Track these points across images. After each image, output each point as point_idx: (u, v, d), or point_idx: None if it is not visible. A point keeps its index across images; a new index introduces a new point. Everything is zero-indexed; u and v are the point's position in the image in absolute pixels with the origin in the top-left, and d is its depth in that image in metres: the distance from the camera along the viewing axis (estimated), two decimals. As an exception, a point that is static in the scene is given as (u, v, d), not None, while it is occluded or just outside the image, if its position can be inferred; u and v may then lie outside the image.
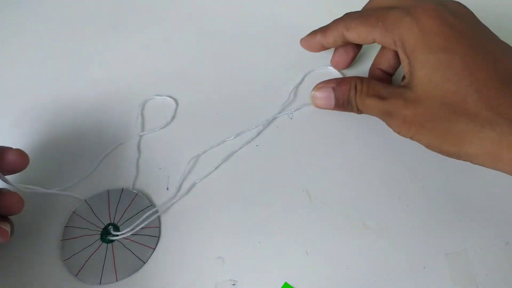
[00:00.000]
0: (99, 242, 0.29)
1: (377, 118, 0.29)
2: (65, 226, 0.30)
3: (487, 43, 0.26)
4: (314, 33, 0.33)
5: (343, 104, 0.31)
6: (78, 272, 0.28)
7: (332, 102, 0.31)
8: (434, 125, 0.26)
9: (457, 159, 0.26)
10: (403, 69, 0.28)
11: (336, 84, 0.31)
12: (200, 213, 0.30)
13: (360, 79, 0.30)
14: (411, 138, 0.27)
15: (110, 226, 0.30)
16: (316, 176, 0.31)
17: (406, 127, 0.27)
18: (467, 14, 0.28)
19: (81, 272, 0.28)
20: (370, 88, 0.29)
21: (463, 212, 0.29)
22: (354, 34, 0.30)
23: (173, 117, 0.35)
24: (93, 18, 0.42)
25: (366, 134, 0.32)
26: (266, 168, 0.32)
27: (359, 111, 0.30)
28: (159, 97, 0.36)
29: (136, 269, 0.28)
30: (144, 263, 0.28)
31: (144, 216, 0.29)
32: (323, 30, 0.32)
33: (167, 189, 0.31)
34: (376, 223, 0.29)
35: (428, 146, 0.27)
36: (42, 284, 0.28)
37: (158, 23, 0.42)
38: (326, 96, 0.31)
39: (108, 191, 0.31)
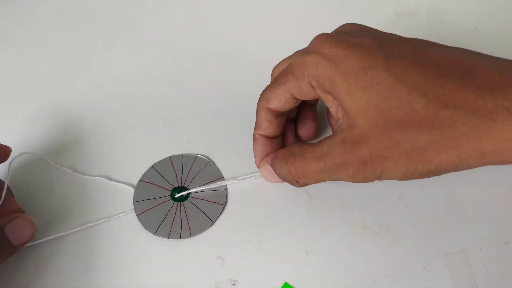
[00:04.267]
0: (171, 202, 0.30)
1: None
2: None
3: (398, 45, 0.24)
4: (255, 142, 0.29)
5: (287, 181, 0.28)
6: (155, 230, 0.29)
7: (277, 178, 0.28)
8: (397, 150, 0.22)
9: (438, 174, 0.23)
10: (331, 111, 0.25)
11: (272, 159, 0.28)
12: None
13: (284, 151, 0.27)
14: (379, 178, 0.24)
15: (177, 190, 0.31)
16: (316, 176, 0.31)
17: (370, 168, 0.23)
18: (363, 29, 0.27)
19: (159, 229, 0.29)
20: (301, 153, 0.26)
21: (463, 212, 0.29)
22: (275, 101, 0.27)
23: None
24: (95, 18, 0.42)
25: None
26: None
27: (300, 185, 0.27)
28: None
29: (205, 228, 0.29)
30: (213, 222, 0.29)
31: (215, 184, 0.30)
32: (256, 126, 0.29)
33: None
34: (376, 223, 0.29)
35: (402, 177, 0.23)
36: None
37: (157, 24, 0.42)
38: (270, 173, 0.29)
39: (170, 157, 0.32)
